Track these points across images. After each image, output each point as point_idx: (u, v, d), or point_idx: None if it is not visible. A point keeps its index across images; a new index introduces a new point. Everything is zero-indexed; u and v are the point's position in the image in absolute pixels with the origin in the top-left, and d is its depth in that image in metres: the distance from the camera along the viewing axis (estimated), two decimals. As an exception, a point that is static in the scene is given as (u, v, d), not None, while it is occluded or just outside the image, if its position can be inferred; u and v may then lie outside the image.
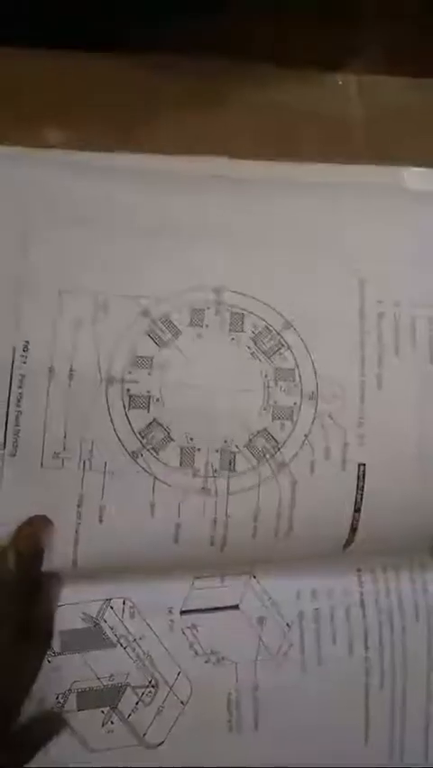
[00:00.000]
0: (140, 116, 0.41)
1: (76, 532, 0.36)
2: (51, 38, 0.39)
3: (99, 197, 0.38)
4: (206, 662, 0.38)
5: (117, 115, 0.40)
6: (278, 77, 0.42)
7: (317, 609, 0.40)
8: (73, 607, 0.37)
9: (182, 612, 0.38)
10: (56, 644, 0.37)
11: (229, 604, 0.39)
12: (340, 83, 0.43)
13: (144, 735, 0.38)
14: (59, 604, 0.37)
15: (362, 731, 0.40)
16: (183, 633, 0.38)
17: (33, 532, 0.35)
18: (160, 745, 0.38)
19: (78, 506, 0.36)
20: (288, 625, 0.39)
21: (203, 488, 0.36)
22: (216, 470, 0.37)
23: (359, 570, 0.40)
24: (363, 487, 0.37)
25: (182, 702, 0.38)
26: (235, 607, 0.39)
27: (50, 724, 0.37)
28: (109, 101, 0.40)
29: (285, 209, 0.40)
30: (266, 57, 0.41)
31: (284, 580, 0.39)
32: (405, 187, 0.42)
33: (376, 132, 0.42)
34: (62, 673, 0.37)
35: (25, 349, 0.36)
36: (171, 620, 0.38)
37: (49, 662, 0.37)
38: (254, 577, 0.39)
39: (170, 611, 0.38)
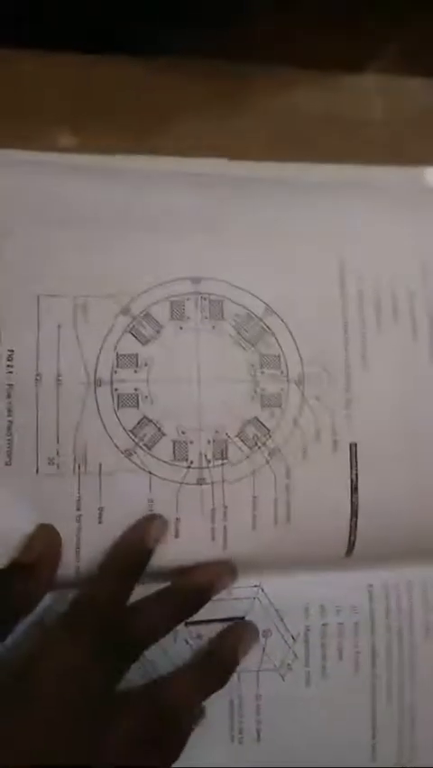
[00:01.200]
0: (153, 120, 0.40)
1: (77, 536, 0.35)
2: (63, 39, 0.38)
3: (68, 195, 0.37)
4: (208, 670, 0.38)
5: (129, 119, 0.40)
6: (295, 79, 0.41)
7: (325, 625, 0.39)
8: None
9: (187, 623, 0.37)
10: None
11: (235, 615, 0.38)
12: (359, 83, 0.42)
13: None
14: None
15: (369, 747, 0.39)
16: (187, 643, 0.38)
17: None
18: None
19: (77, 509, 0.36)
20: (293, 637, 0.39)
21: (199, 479, 0.37)
22: (209, 461, 0.37)
23: (370, 585, 0.40)
24: (356, 466, 0.38)
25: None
26: (241, 619, 0.39)
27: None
28: (121, 104, 0.40)
29: (272, 200, 0.40)
30: (283, 58, 0.41)
31: (292, 593, 0.39)
32: (425, 185, 0.42)
33: (396, 134, 0.42)
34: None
35: (10, 358, 0.36)
36: (176, 630, 0.37)
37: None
38: (263, 590, 0.39)
39: (187, 635, 0.37)
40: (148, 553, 0.36)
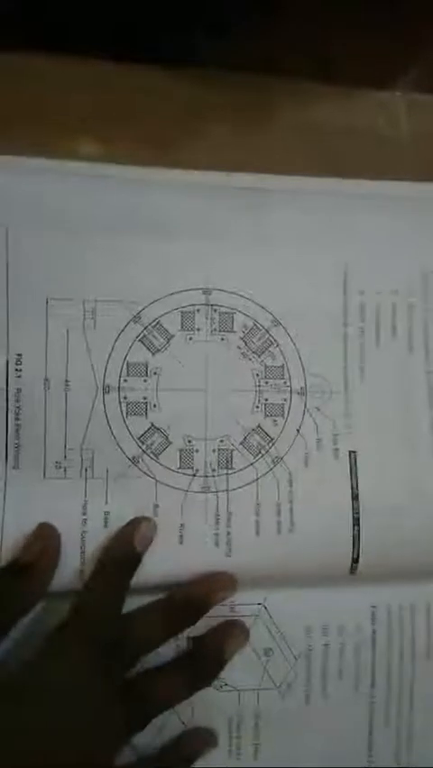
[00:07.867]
0: (175, 130, 0.40)
1: (82, 539, 0.36)
2: (88, 46, 0.38)
3: (80, 200, 0.38)
4: (208, 685, 0.38)
5: (152, 128, 0.39)
6: (321, 94, 0.41)
7: (326, 645, 0.39)
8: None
9: (189, 638, 0.38)
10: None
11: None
12: (385, 100, 0.42)
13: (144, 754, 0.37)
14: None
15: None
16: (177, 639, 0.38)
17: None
18: (158, 765, 0.37)
19: (83, 513, 0.36)
20: (295, 657, 0.39)
21: (203, 487, 0.37)
22: (214, 470, 0.38)
23: (374, 606, 0.40)
24: (356, 473, 0.39)
25: (183, 723, 0.38)
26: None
27: (198, 739, 0.37)
28: (144, 113, 0.39)
29: (283, 210, 0.40)
30: (311, 73, 0.40)
31: (295, 613, 0.39)
32: None
33: (423, 151, 0.42)
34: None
35: (18, 362, 0.36)
36: (177, 645, 0.38)
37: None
38: (266, 608, 0.39)
39: (176, 637, 0.37)
40: (137, 558, 0.36)
